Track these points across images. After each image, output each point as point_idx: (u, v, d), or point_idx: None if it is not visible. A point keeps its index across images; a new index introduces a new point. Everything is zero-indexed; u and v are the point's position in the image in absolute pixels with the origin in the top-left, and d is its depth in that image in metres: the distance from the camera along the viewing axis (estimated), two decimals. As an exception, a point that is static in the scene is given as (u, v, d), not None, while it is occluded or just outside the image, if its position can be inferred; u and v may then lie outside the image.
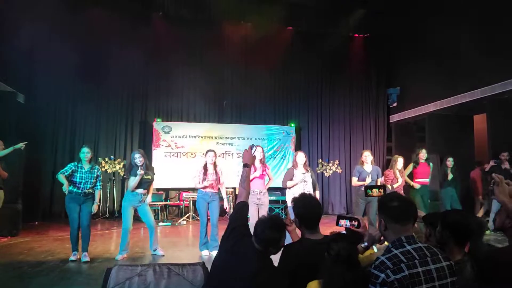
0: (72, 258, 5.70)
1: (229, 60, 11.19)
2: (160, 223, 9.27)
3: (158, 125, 10.59)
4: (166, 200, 10.45)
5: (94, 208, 5.96)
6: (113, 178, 10.43)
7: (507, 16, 7.87)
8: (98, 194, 6.02)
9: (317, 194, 6.34)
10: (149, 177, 6.01)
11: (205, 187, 6.22)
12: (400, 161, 7.31)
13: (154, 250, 6.12)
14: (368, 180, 6.51)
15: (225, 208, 6.78)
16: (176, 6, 10.69)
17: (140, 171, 5.86)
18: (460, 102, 9.20)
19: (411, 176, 7.70)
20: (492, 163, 7.91)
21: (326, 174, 11.88)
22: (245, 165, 2.96)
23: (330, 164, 11.91)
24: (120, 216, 9.89)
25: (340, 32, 11.75)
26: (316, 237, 2.57)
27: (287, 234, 2.75)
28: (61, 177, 5.72)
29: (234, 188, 10.42)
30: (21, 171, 8.14)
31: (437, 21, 9.96)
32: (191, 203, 9.91)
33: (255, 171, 6.16)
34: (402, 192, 7.19)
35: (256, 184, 6.17)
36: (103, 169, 9.94)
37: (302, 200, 2.68)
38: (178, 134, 10.71)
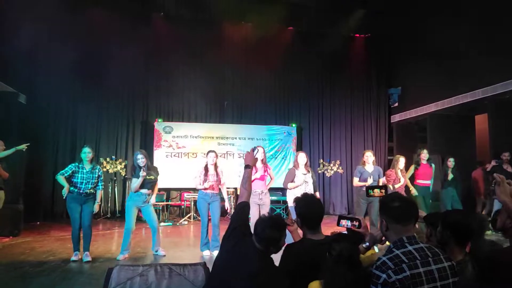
0: (74, 258, 5.71)
1: (230, 60, 11.18)
2: (162, 223, 9.27)
3: (159, 125, 10.60)
4: (167, 200, 10.47)
5: (96, 208, 5.96)
6: (115, 178, 10.45)
7: (508, 16, 7.86)
8: (99, 193, 6.02)
9: (317, 195, 6.34)
10: (151, 177, 6.01)
11: (205, 188, 6.23)
12: (401, 161, 7.30)
13: (156, 251, 6.13)
14: (370, 181, 6.49)
15: (226, 208, 6.78)
16: (176, 6, 10.70)
17: (142, 173, 5.87)
18: (461, 102, 9.20)
19: (412, 177, 7.69)
20: (493, 163, 7.91)
21: (327, 174, 11.87)
22: (247, 166, 2.97)
23: (331, 164, 11.91)
24: (121, 216, 10.03)
25: (341, 32, 11.74)
26: (318, 237, 2.57)
27: (289, 234, 2.76)
28: (60, 179, 5.73)
29: (235, 189, 10.44)
30: (22, 172, 8.16)
31: (438, 21, 9.96)
32: (192, 203, 9.92)
33: (256, 172, 6.18)
34: (403, 192, 7.20)
35: (257, 185, 6.19)
36: (104, 169, 9.95)
37: (304, 200, 2.68)
38: (179, 134, 10.72)
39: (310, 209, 2.62)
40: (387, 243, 2.17)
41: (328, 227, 2.73)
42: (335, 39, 11.55)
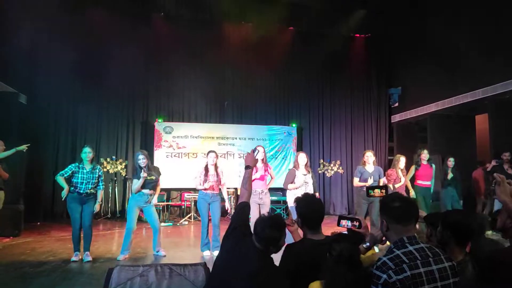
0: (74, 258, 5.71)
1: (230, 60, 11.18)
2: (162, 224, 9.23)
3: (159, 125, 10.60)
4: (167, 200, 10.47)
5: (96, 207, 5.97)
6: (115, 178, 10.45)
7: (508, 16, 7.86)
8: (100, 193, 6.03)
9: (317, 196, 6.34)
10: (152, 177, 6.01)
11: (205, 189, 6.23)
12: (402, 161, 7.31)
13: (157, 252, 6.13)
14: (370, 181, 6.49)
15: (226, 208, 6.78)
16: (176, 7, 10.70)
17: (142, 174, 5.87)
18: (461, 102, 9.20)
19: (413, 178, 7.67)
20: (493, 163, 7.90)
21: (328, 175, 11.87)
22: (247, 167, 2.99)
23: (332, 165, 11.91)
24: (121, 217, 10.05)
25: (341, 32, 11.76)
26: (318, 237, 2.57)
27: (289, 234, 2.76)
28: (60, 180, 5.73)
29: (236, 189, 10.45)
30: (23, 172, 8.16)
31: (438, 21, 9.96)
32: (193, 203, 9.93)
33: (256, 172, 6.19)
34: (404, 191, 7.20)
35: (257, 184, 6.21)
36: (104, 170, 9.96)
37: (305, 200, 2.68)
38: (179, 134, 10.73)
39: (311, 209, 2.62)
40: (388, 243, 2.17)
41: (329, 227, 2.73)
42: (335, 39, 11.56)
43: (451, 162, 7.88)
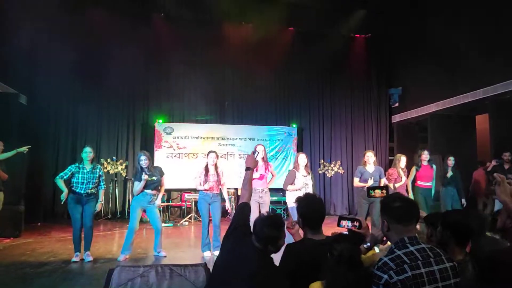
0: (74, 259, 5.71)
1: (230, 60, 11.17)
2: (162, 224, 9.26)
3: (160, 126, 10.61)
4: (168, 201, 10.47)
5: (98, 207, 5.98)
6: (115, 179, 10.45)
7: (508, 16, 7.86)
8: (102, 193, 6.04)
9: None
10: (153, 178, 6.01)
11: (206, 189, 6.23)
12: (403, 160, 7.31)
13: (158, 253, 6.12)
14: (370, 182, 6.48)
15: (226, 208, 6.78)
16: (176, 7, 10.69)
17: (144, 176, 5.87)
18: (462, 102, 9.20)
19: (413, 179, 7.66)
20: (494, 163, 7.89)
21: (328, 175, 11.87)
22: (248, 169, 3.01)
23: (332, 165, 11.91)
24: (122, 217, 10.07)
25: (341, 32, 11.77)
26: (319, 237, 2.57)
27: (291, 236, 2.77)
28: (60, 182, 5.74)
29: (236, 189, 10.45)
30: (23, 173, 8.15)
31: (438, 21, 9.95)
32: (193, 204, 9.92)
33: (256, 171, 6.18)
34: (404, 191, 7.20)
35: (257, 183, 6.23)
36: (105, 170, 9.95)
37: (306, 200, 2.69)
38: (179, 135, 10.73)
39: (311, 209, 2.62)
40: (388, 243, 2.17)
41: (329, 228, 2.72)
42: (336, 39, 11.58)
43: (451, 161, 7.84)
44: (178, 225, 9.59)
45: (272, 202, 9.51)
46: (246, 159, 3.10)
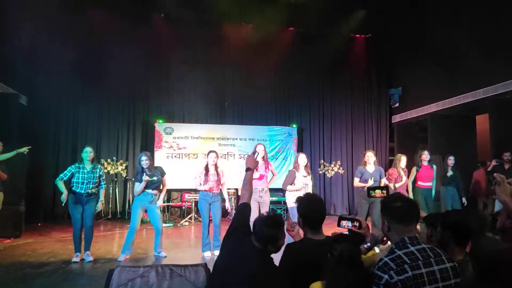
0: (75, 259, 5.71)
1: (230, 61, 11.16)
2: (163, 224, 9.26)
3: (160, 126, 10.61)
4: (168, 201, 10.47)
5: (99, 206, 5.98)
6: (116, 179, 10.45)
7: (508, 16, 7.86)
8: (102, 192, 6.05)
9: None
10: (154, 178, 6.01)
11: (205, 190, 6.24)
12: (403, 160, 7.30)
13: (158, 253, 6.12)
14: (370, 182, 6.48)
15: (227, 208, 6.78)
16: (176, 7, 10.68)
17: (144, 178, 5.88)
18: (462, 102, 9.20)
19: (414, 179, 7.65)
20: (494, 163, 7.88)
21: (328, 175, 11.87)
22: (248, 169, 3.01)
23: (332, 165, 11.91)
24: (122, 218, 10.07)
25: (341, 32, 11.77)
26: (318, 237, 2.57)
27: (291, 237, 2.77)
28: (60, 184, 5.75)
29: (236, 189, 10.45)
30: (24, 173, 8.15)
31: (438, 21, 9.96)
32: (193, 204, 9.92)
33: (256, 170, 6.19)
34: (405, 191, 7.19)
35: (257, 182, 6.24)
36: (105, 171, 9.94)
37: (307, 200, 2.69)
38: (180, 135, 10.74)
39: (312, 209, 2.62)
40: (389, 243, 2.18)
41: (329, 228, 2.73)
42: (336, 40, 11.58)
43: (451, 160, 7.81)
44: (178, 225, 9.59)
45: (272, 202, 9.50)
46: (246, 160, 3.11)
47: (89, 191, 5.82)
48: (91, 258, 5.76)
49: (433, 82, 10.21)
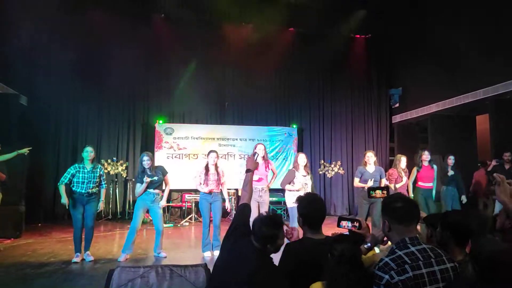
0: (75, 259, 5.71)
1: (231, 61, 11.17)
2: (163, 225, 9.26)
3: (160, 126, 10.61)
4: (168, 201, 10.45)
5: (100, 206, 6.00)
6: (116, 179, 10.45)
7: (508, 16, 7.86)
8: (103, 192, 6.06)
9: None
10: (155, 178, 6.01)
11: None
12: (403, 160, 7.30)
13: (158, 253, 6.13)
14: (370, 182, 6.47)
15: (227, 208, 6.78)
16: (176, 7, 10.69)
17: (145, 179, 5.88)
18: (462, 102, 9.19)
19: (414, 180, 7.64)
20: (494, 163, 7.88)
21: (328, 175, 11.87)
22: (248, 170, 3.03)
23: (332, 165, 11.91)
24: (122, 218, 10.07)
25: (341, 33, 11.77)
26: (318, 237, 2.57)
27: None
28: (61, 189, 5.78)
29: (236, 190, 10.44)
30: (24, 173, 8.16)
31: (438, 21, 9.96)
32: (194, 204, 9.92)
33: (257, 170, 6.19)
34: (405, 191, 7.19)
35: (256, 183, 6.22)
36: (105, 171, 9.92)
37: (307, 199, 2.69)
38: (180, 135, 10.74)
39: (312, 208, 2.62)
40: (389, 243, 2.17)
41: (329, 228, 2.72)
42: (336, 40, 11.58)
43: (451, 160, 7.79)
44: (179, 225, 9.59)
45: (272, 203, 9.51)
46: (246, 161, 3.13)
47: (90, 190, 5.82)
48: (91, 258, 5.77)
49: (433, 82, 10.21)
